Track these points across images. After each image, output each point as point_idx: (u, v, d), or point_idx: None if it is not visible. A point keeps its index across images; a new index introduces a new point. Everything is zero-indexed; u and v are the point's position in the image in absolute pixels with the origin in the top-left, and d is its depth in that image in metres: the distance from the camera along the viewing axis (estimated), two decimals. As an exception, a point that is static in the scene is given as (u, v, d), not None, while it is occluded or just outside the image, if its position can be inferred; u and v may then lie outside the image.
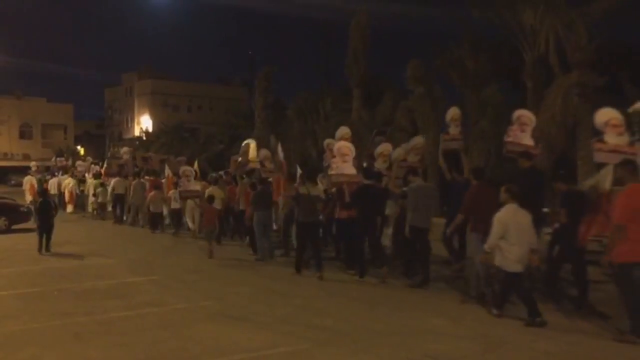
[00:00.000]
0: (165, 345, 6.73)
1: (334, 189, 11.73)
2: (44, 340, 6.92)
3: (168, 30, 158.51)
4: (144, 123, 62.43)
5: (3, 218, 17.71)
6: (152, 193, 17.68)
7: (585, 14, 17.64)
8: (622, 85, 20.00)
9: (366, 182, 10.74)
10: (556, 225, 8.64)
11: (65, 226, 17.43)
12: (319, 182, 12.58)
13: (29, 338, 7.03)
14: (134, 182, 19.20)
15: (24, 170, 31.91)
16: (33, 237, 14.07)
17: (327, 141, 13.58)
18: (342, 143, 11.84)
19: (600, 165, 8.53)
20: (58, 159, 32.04)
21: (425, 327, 7.47)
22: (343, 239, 11.65)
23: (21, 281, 10.50)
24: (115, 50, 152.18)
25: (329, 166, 11.83)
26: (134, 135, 60.70)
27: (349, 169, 11.18)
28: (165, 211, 17.82)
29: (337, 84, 33.56)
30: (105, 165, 25.31)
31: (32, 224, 16.48)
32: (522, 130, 9.96)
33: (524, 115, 10.12)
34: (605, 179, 8.11)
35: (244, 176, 15.25)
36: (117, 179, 20.29)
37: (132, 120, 67.50)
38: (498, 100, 20.82)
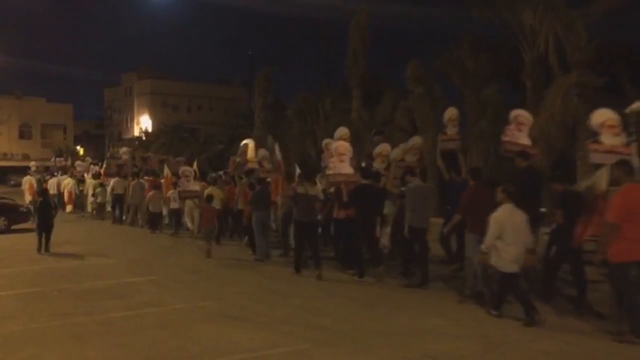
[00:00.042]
0: (165, 346, 6.73)
1: (332, 189, 11.74)
2: (44, 341, 6.92)
3: (168, 31, 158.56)
4: (144, 123, 62.39)
5: (2, 218, 17.71)
6: (151, 193, 17.69)
7: (585, 14, 17.63)
8: (622, 85, 20.01)
9: (364, 181, 10.76)
10: (553, 225, 8.65)
11: (64, 226, 17.43)
12: (317, 182, 12.59)
13: (29, 338, 7.03)
14: (132, 183, 19.21)
15: (24, 171, 31.90)
16: (32, 237, 14.07)
17: (325, 141, 13.61)
18: (339, 143, 11.87)
19: (599, 166, 8.54)
20: (57, 159, 32.04)
21: (425, 327, 7.47)
22: (341, 238, 11.65)
23: (21, 281, 10.50)
24: (115, 51, 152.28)
25: (327, 166, 11.84)
26: (133, 136, 60.66)
27: (347, 169, 11.19)
28: (164, 211, 17.83)
29: (336, 84, 33.55)
30: (104, 165, 25.33)
31: (31, 224, 16.45)
32: (519, 129, 9.99)
33: (521, 114, 10.15)
34: (601, 179, 8.12)
35: (243, 176, 15.28)
36: (116, 179, 20.29)
37: (132, 120, 67.47)
38: (498, 100, 20.78)
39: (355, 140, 18.35)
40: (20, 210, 18.48)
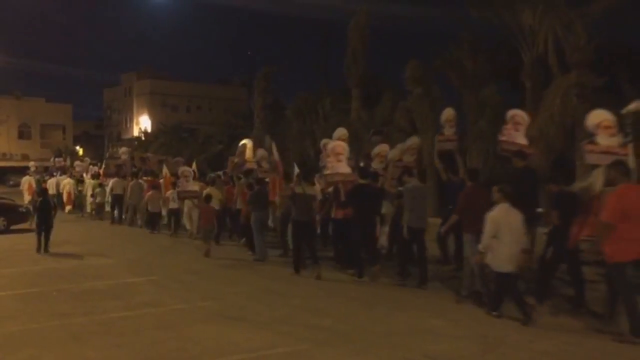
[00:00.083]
0: (164, 346, 6.73)
1: (330, 189, 11.76)
2: (43, 341, 6.92)
3: (167, 31, 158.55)
4: (143, 123, 62.37)
5: (2, 218, 17.73)
6: (150, 193, 17.70)
7: (585, 14, 17.65)
8: (621, 85, 20.02)
9: (362, 181, 10.77)
10: (551, 226, 8.67)
11: (63, 226, 17.42)
12: (316, 182, 12.60)
13: (28, 338, 7.03)
14: (131, 183, 19.23)
15: (23, 171, 31.88)
16: (32, 238, 14.07)
17: (323, 141, 13.63)
18: (337, 142, 11.89)
19: (595, 167, 8.57)
20: (56, 159, 31.98)
21: (424, 327, 7.47)
22: (340, 238, 11.66)
23: (20, 281, 10.49)
24: (115, 51, 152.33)
25: (324, 166, 11.85)
26: (132, 136, 60.66)
27: (344, 168, 11.22)
28: (163, 211, 17.82)
29: (336, 84, 33.61)
30: (103, 165, 25.33)
31: (29, 224, 16.40)
32: (516, 129, 10.03)
33: (518, 114, 10.19)
34: (597, 180, 8.15)
35: (241, 176, 15.29)
36: (115, 179, 20.30)
37: (131, 121, 67.46)
38: (497, 100, 20.77)
39: (354, 140, 18.36)
40: (20, 211, 18.48)
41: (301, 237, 11.07)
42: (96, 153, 56.24)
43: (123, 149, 26.54)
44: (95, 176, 23.10)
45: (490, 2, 19.85)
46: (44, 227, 13.57)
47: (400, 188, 10.80)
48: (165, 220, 17.89)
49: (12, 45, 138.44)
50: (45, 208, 13.68)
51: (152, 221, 17.63)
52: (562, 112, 17.27)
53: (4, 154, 60.46)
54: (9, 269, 11.73)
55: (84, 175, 25.19)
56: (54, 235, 13.97)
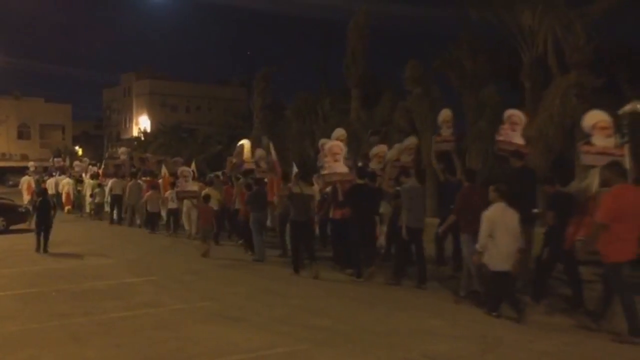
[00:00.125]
0: (164, 346, 6.73)
1: (328, 189, 11.77)
2: (42, 341, 6.92)
3: (167, 31, 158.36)
4: (142, 123, 62.36)
5: (1, 218, 17.73)
6: (149, 193, 17.70)
7: (584, 14, 17.67)
8: (620, 85, 20.04)
9: (360, 181, 10.79)
10: (547, 226, 8.70)
11: (63, 226, 17.41)
12: (314, 182, 12.60)
13: (27, 339, 7.02)
14: (130, 183, 19.24)
15: (22, 171, 31.85)
16: (31, 238, 14.07)
17: (322, 141, 13.64)
18: (334, 142, 11.92)
19: (591, 167, 8.59)
20: (56, 159, 31.99)
21: (424, 327, 7.47)
22: (339, 238, 11.67)
23: (19, 282, 10.49)
24: (114, 51, 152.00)
25: (322, 166, 11.87)
26: (132, 136, 60.64)
27: (341, 168, 11.25)
28: (162, 212, 17.82)
29: (335, 85, 33.56)
30: (102, 166, 25.33)
31: (27, 224, 16.39)
32: (513, 129, 10.06)
33: (515, 114, 10.23)
34: (593, 181, 8.18)
35: (240, 177, 15.30)
36: (114, 179, 20.30)
37: (131, 121, 67.43)
38: (496, 100, 20.81)
39: (353, 140, 18.37)
40: (19, 211, 18.47)
41: (299, 237, 11.08)
42: (95, 153, 56.16)
43: (122, 149, 26.55)
44: (94, 176, 23.09)
45: (489, 3, 19.87)
46: (43, 227, 13.57)
47: (398, 188, 10.81)
48: (164, 221, 17.89)
49: (12, 45, 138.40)
50: (45, 208, 13.69)
51: (152, 221, 17.62)
52: (562, 113, 17.31)
53: (3, 154, 60.44)
54: (9, 269, 11.72)
55: (83, 175, 25.19)
56: (53, 235, 13.98)
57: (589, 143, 8.64)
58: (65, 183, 24.32)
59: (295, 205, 11.04)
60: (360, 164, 12.98)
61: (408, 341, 6.88)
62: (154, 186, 18.14)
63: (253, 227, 12.66)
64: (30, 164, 29.91)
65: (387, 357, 6.35)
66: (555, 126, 17.43)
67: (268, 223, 13.86)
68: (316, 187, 12.76)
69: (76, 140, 67.32)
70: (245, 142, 16.93)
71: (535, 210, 9.21)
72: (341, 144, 11.82)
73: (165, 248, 14.73)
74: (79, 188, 23.99)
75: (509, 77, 22.94)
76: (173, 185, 16.83)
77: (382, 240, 11.76)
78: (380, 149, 12.86)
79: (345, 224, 10.97)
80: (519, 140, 9.97)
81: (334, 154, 11.28)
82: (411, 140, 13.26)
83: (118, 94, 70.55)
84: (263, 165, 14.47)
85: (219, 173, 18.80)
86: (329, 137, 13.59)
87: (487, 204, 7.97)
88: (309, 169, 16.58)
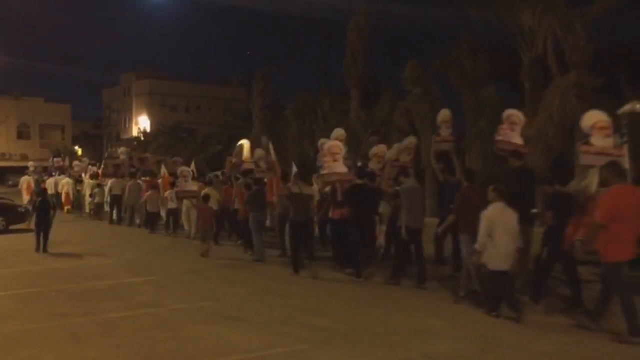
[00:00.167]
0: (164, 346, 6.73)
1: (327, 189, 11.78)
2: (42, 341, 6.92)
3: (167, 31, 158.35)
4: (142, 123, 62.34)
5: (1, 219, 17.72)
6: (149, 193, 17.70)
7: (584, 14, 17.69)
8: (620, 85, 20.04)
9: (359, 181, 10.79)
10: (546, 226, 8.71)
11: (62, 226, 17.41)
12: (314, 182, 12.59)
13: (27, 339, 7.02)
14: (129, 183, 19.24)
15: (22, 171, 31.84)
16: (31, 238, 14.07)
17: (321, 141, 13.65)
18: (333, 142, 11.93)
19: (590, 168, 8.60)
20: (55, 159, 31.99)
21: (424, 327, 7.47)
22: (338, 239, 11.68)
23: (19, 282, 10.49)
24: (114, 51, 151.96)
25: (321, 166, 11.87)
26: (132, 136, 60.63)
27: (341, 168, 11.26)
28: (162, 212, 17.81)
29: (335, 85, 33.58)
30: (102, 166, 25.33)
31: (26, 225, 16.39)
32: (512, 129, 10.08)
33: (514, 114, 10.24)
34: (593, 181, 8.18)
35: (239, 177, 15.30)
36: (114, 179, 20.30)
37: (130, 121, 67.41)
38: (496, 100, 20.82)
39: (353, 140, 18.36)
40: (19, 211, 18.46)
41: (299, 237, 11.08)
42: (95, 153, 56.16)
43: (122, 149, 26.56)
44: (94, 176, 23.09)
45: (489, 3, 19.88)
46: (43, 227, 13.58)
47: (397, 188, 10.82)
48: (164, 221, 17.88)
49: (12, 45, 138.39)
50: (45, 208, 13.69)
51: (151, 221, 17.63)
52: (561, 113, 17.32)
53: (3, 154, 60.40)
54: (8, 269, 11.72)
55: (83, 175, 25.18)
56: (53, 235, 13.98)
57: (588, 143, 8.65)
58: (65, 183, 24.32)
59: (294, 205, 11.04)
60: (359, 164, 12.98)
61: (408, 341, 6.88)
62: (153, 186, 18.13)
63: (253, 227, 12.68)
64: (30, 164, 29.89)
65: (387, 357, 6.36)
66: (555, 126, 17.44)
67: (267, 223, 13.87)
68: (316, 187, 12.76)
69: (76, 141, 67.28)
70: (244, 142, 16.94)
71: (535, 211, 9.21)
72: (340, 144, 11.84)
73: (165, 248, 14.73)
74: (78, 188, 23.99)
75: (509, 77, 22.95)
76: (173, 185, 16.83)
77: (381, 240, 11.76)
78: (379, 149, 12.87)
79: (344, 224, 10.97)
80: (518, 140, 9.98)
81: (333, 154, 11.29)
82: (410, 140, 13.27)
83: (118, 94, 70.53)
84: (263, 165, 14.48)
85: (219, 173, 18.81)
86: (328, 137, 13.60)
87: (486, 204, 7.98)
88: (309, 169, 16.59)
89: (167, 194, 17.16)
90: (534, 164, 15.70)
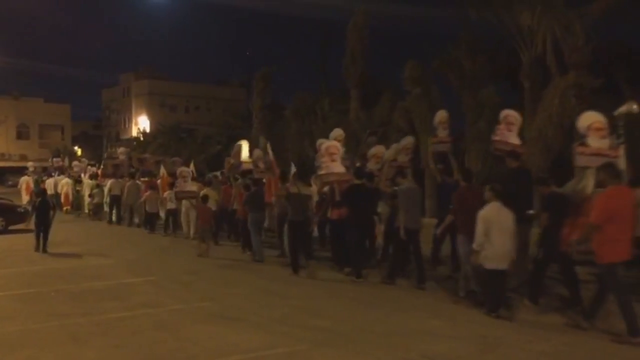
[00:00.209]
0: (163, 347, 6.73)
1: (325, 188, 11.78)
2: (41, 341, 6.91)
3: (166, 31, 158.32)
4: (142, 123, 62.35)
5: (0, 219, 17.70)
6: (148, 193, 17.69)
7: (584, 14, 17.69)
8: (620, 86, 20.05)
9: (357, 181, 10.80)
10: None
11: (62, 226, 17.41)
12: (312, 183, 12.60)
13: (26, 339, 7.02)
14: (128, 183, 19.23)
15: (21, 171, 31.83)
16: (30, 238, 14.08)
17: (319, 141, 13.67)
18: (331, 142, 11.94)
19: (587, 168, 8.60)
20: (55, 159, 31.97)
21: (423, 328, 7.48)
22: (336, 239, 11.68)
23: (18, 282, 10.48)
24: (113, 51, 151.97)
25: (319, 166, 11.89)
26: (131, 136, 60.61)
27: (338, 168, 11.27)
28: (161, 212, 17.80)
29: (334, 85, 33.56)
30: (101, 166, 25.31)
31: (25, 225, 16.34)
32: (509, 129, 10.10)
33: (510, 114, 10.26)
34: (589, 182, 8.19)
35: (238, 177, 15.30)
36: (112, 180, 20.29)
37: (130, 121, 67.42)
38: (495, 101, 20.78)
39: (352, 140, 18.36)
40: (18, 211, 18.45)
41: (297, 237, 11.07)
42: (95, 153, 56.12)
43: (121, 149, 26.55)
44: (92, 176, 23.08)
45: (489, 3, 19.87)
46: (42, 228, 13.57)
47: (395, 188, 10.83)
48: (162, 221, 17.87)
49: (11, 45, 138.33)
50: (44, 208, 13.69)
51: (150, 221, 17.62)
52: (561, 113, 17.30)
53: (2, 154, 60.39)
54: (7, 269, 11.72)
55: (82, 175, 25.17)
56: (53, 235, 13.97)
57: (583, 144, 8.65)
58: (64, 183, 24.31)
59: (292, 205, 11.05)
60: (358, 164, 12.99)
61: (407, 341, 6.88)
62: (152, 186, 18.12)
63: (251, 228, 12.68)
64: (29, 164, 29.89)
65: (386, 357, 6.36)
66: (554, 126, 17.42)
67: (265, 224, 13.87)
68: (314, 188, 12.76)
69: (75, 141, 67.27)
70: (242, 143, 16.94)
71: (531, 212, 9.21)
72: (338, 144, 11.84)
73: (164, 248, 14.72)
74: (77, 188, 23.98)
75: (508, 77, 22.95)
76: (171, 185, 16.81)
77: (380, 240, 11.76)
78: (377, 149, 12.88)
79: (342, 224, 10.98)
80: (515, 140, 9.99)
81: (331, 154, 11.30)
82: (408, 140, 13.27)
83: (117, 94, 70.53)
84: (261, 165, 14.48)
85: (218, 173, 18.79)
86: (328, 137, 13.61)
87: (483, 204, 7.99)
88: (308, 169, 16.58)
89: (166, 194, 17.15)
90: (534, 164, 15.71)
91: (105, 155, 35.09)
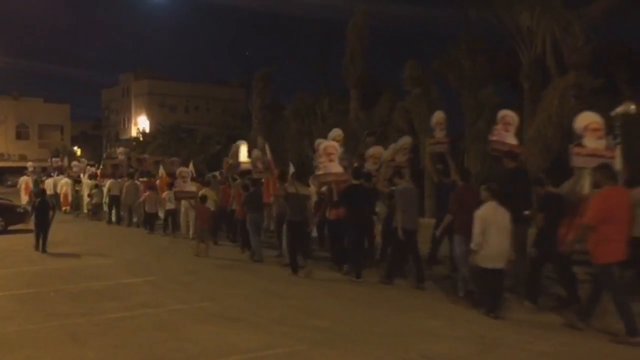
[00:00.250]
0: (162, 347, 6.73)
1: (323, 188, 11.79)
2: (40, 342, 6.91)
3: (166, 31, 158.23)
4: (141, 124, 62.32)
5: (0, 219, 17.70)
6: (147, 193, 17.68)
7: (583, 15, 17.71)
8: (619, 86, 20.06)
9: (355, 181, 10.80)
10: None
11: (61, 226, 17.39)
12: (310, 183, 12.62)
13: (25, 339, 7.01)
14: (127, 184, 19.22)
15: (21, 171, 31.78)
16: (29, 238, 14.08)
17: (317, 141, 13.67)
18: (329, 142, 11.94)
19: (583, 169, 8.61)
20: (54, 159, 31.96)
21: (423, 328, 7.48)
22: (335, 239, 11.68)
23: (17, 282, 10.47)
24: (113, 51, 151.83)
25: (317, 166, 11.90)
26: (131, 136, 60.61)
27: (336, 168, 11.28)
28: (160, 212, 17.79)
29: (334, 85, 33.62)
30: (101, 166, 25.30)
31: (24, 225, 16.34)
32: (506, 129, 10.11)
33: (508, 115, 10.27)
34: (585, 182, 8.20)
35: (236, 177, 15.30)
36: (112, 180, 20.28)
37: (129, 121, 67.39)
38: (495, 101, 20.81)
39: (352, 140, 18.36)
40: (17, 211, 18.44)
41: (296, 237, 11.07)
42: (94, 153, 56.04)
43: (120, 149, 26.55)
44: (92, 177, 23.07)
45: (488, 3, 19.90)
46: (42, 227, 13.58)
47: (392, 188, 10.84)
48: (161, 221, 17.86)
49: (11, 45, 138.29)
50: (44, 208, 13.68)
51: (150, 221, 17.62)
52: (560, 113, 17.32)
53: (2, 154, 60.35)
54: (7, 270, 11.71)
55: (81, 175, 25.15)
56: (52, 235, 13.96)
57: (580, 145, 8.66)
58: (63, 183, 24.27)
59: (290, 205, 11.05)
60: (355, 164, 13.00)
61: (406, 341, 6.88)
62: (151, 187, 18.12)
63: (250, 228, 12.67)
64: (29, 164, 29.87)
65: (386, 358, 6.36)
66: (553, 127, 17.45)
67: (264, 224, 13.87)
68: (312, 188, 12.75)
69: (75, 141, 67.21)
70: (241, 143, 16.95)
71: (527, 212, 9.23)
72: (336, 144, 11.84)
73: (163, 248, 14.72)
74: (77, 188, 23.95)
75: (507, 77, 22.98)
76: (170, 185, 16.80)
77: (379, 240, 11.77)
78: (376, 150, 12.89)
79: (340, 224, 10.98)
80: (512, 140, 10.00)
81: (329, 154, 11.31)
82: (405, 140, 13.28)
83: (117, 94, 70.50)
84: (259, 165, 14.49)
85: (217, 173, 18.79)
86: (327, 137, 13.61)
87: (479, 203, 7.99)
88: (307, 169, 16.59)
89: (165, 194, 17.14)
90: (533, 164, 15.73)
91: (104, 155, 35.10)
